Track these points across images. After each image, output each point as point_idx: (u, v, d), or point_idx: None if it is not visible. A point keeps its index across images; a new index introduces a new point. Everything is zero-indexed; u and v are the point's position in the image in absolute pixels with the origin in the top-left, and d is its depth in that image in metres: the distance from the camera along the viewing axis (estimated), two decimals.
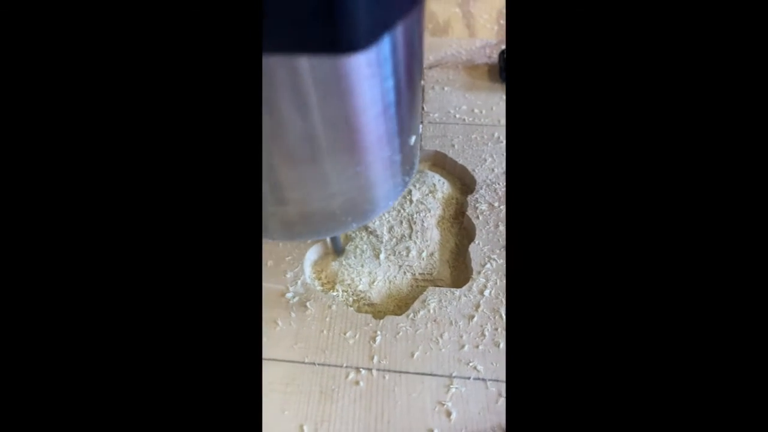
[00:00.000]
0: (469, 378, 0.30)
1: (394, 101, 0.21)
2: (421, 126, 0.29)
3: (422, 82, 0.25)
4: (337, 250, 0.38)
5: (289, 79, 0.17)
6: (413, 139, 0.25)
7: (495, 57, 0.57)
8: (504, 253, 0.37)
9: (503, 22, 0.69)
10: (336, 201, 0.24)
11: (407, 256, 0.39)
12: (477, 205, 0.41)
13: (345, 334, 0.33)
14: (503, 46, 0.56)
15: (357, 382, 0.31)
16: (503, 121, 0.48)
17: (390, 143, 0.22)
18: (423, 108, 0.50)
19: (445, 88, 0.53)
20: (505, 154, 0.45)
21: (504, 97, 0.51)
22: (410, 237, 0.40)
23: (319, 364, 0.32)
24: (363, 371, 0.31)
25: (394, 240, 0.40)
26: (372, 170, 0.23)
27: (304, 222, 0.25)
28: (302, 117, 0.19)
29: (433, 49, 0.59)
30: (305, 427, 0.29)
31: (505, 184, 0.42)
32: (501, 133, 0.47)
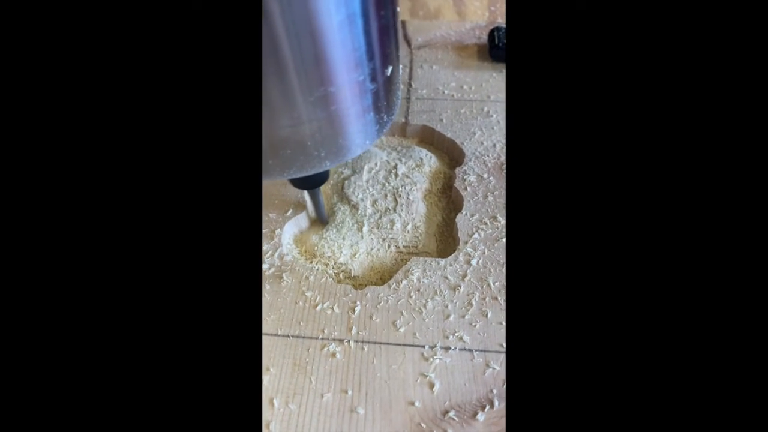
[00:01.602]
0: (454, 349, 0.28)
1: (360, 13, 0.19)
2: (401, 68, 0.27)
3: (397, 10, 0.23)
4: (321, 216, 0.36)
5: None
6: (389, 70, 0.23)
7: (484, 38, 0.55)
8: (493, 223, 0.35)
9: (494, 8, 0.68)
10: (306, 128, 0.22)
11: (391, 228, 0.37)
12: (465, 176, 0.39)
13: (323, 305, 0.31)
14: (492, 27, 0.54)
15: (334, 354, 0.28)
16: (493, 97, 0.47)
17: (359, 65, 0.21)
18: (411, 85, 0.49)
19: (434, 67, 0.51)
20: (494, 127, 0.43)
21: (494, 74, 0.50)
22: (395, 210, 0.38)
23: (293, 336, 0.29)
24: (341, 343, 0.29)
25: (378, 213, 0.38)
26: (342, 94, 0.21)
27: (274, 154, 0.23)
28: (265, 23, 0.18)
29: (422, 30, 0.58)
30: (275, 401, 0.26)
31: (493, 156, 0.40)
32: (491, 108, 0.45)
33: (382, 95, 0.24)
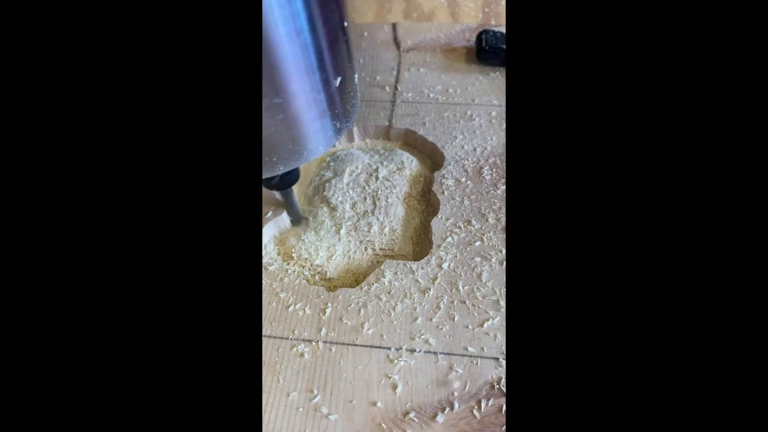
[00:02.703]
0: (419, 351, 0.29)
1: (307, 28, 0.20)
2: (357, 77, 0.27)
3: (345, 24, 0.24)
4: (297, 214, 0.37)
5: None
6: (338, 81, 0.24)
7: (473, 40, 0.56)
8: (467, 227, 0.35)
9: (488, 10, 0.68)
10: None
11: (369, 231, 0.37)
12: (444, 180, 0.39)
13: (295, 306, 0.32)
14: (480, 30, 0.55)
15: (302, 354, 0.29)
16: (477, 100, 0.47)
17: (309, 76, 0.22)
18: (396, 88, 0.49)
19: (421, 70, 0.52)
20: (476, 131, 0.43)
21: (480, 77, 0.50)
22: (373, 213, 0.38)
23: (264, 336, 0.30)
24: (310, 343, 0.30)
25: (357, 216, 0.38)
26: (292, 104, 0.22)
27: None
28: None
29: (412, 33, 0.58)
30: None
31: (473, 161, 0.41)
32: (474, 111, 0.45)
33: (336, 103, 0.25)
